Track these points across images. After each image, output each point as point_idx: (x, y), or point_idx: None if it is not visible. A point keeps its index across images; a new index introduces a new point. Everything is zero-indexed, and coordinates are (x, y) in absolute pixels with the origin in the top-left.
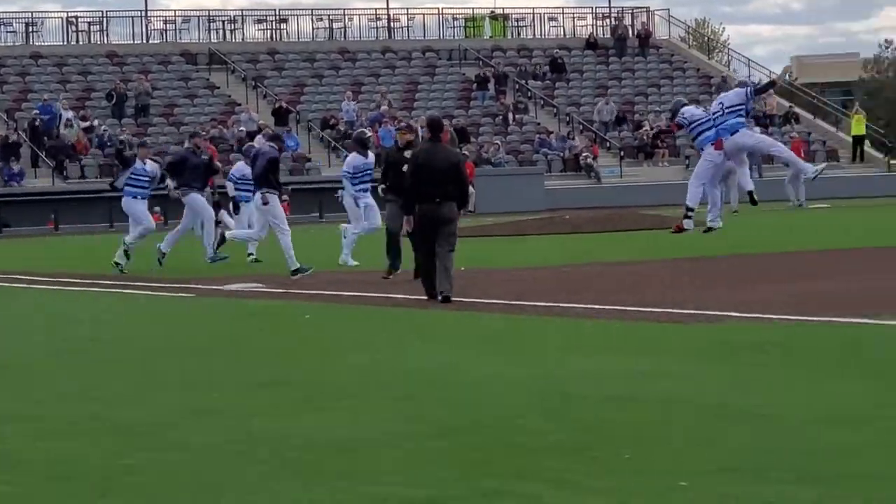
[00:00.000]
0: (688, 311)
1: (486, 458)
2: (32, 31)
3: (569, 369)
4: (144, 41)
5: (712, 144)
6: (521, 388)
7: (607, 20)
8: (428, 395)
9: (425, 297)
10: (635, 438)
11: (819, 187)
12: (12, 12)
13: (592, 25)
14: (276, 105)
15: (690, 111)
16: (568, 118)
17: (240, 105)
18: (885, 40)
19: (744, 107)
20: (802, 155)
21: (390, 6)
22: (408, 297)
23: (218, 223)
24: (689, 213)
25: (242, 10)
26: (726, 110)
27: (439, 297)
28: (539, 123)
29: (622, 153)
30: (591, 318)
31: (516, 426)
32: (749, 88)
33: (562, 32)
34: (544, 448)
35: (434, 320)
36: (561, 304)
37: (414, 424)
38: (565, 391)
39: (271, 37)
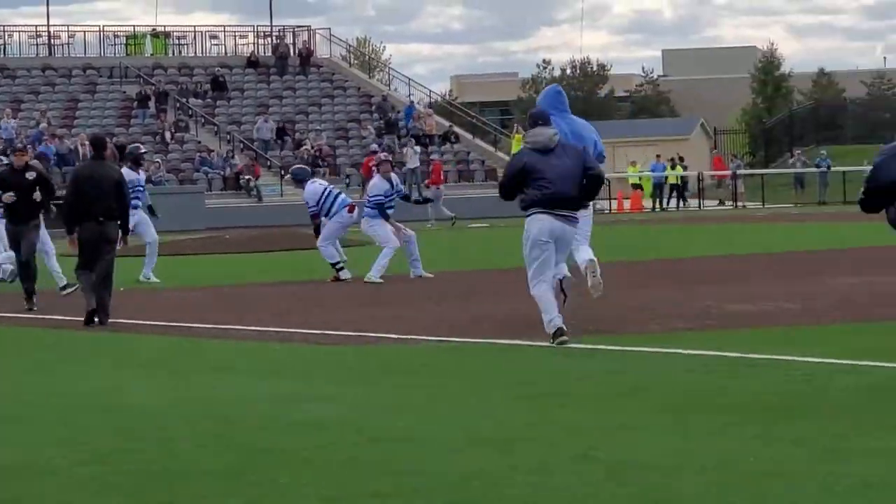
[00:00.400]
0: (345, 333)
1: (140, 484)
2: None
3: (226, 392)
4: None
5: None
6: (177, 412)
7: (269, 38)
8: (82, 419)
9: (82, 319)
10: (291, 463)
11: (478, 207)
12: None
13: (254, 44)
14: None
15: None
16: (229, 136)
17: None
18: (543, 60)
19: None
20: (441, 177)
21: (51, 23)
22: (64, 317)
23: None
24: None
25: None
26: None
27: (96, 321)
28: (200, 142)
29: (283, 172)
30: (249, 340)
31: (172, 451)
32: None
33: (223, 51)
34: (199, 473)
35: (90, 342)
36: (219, 326)
37: (69, 450)
38: (222, 415)
39: None
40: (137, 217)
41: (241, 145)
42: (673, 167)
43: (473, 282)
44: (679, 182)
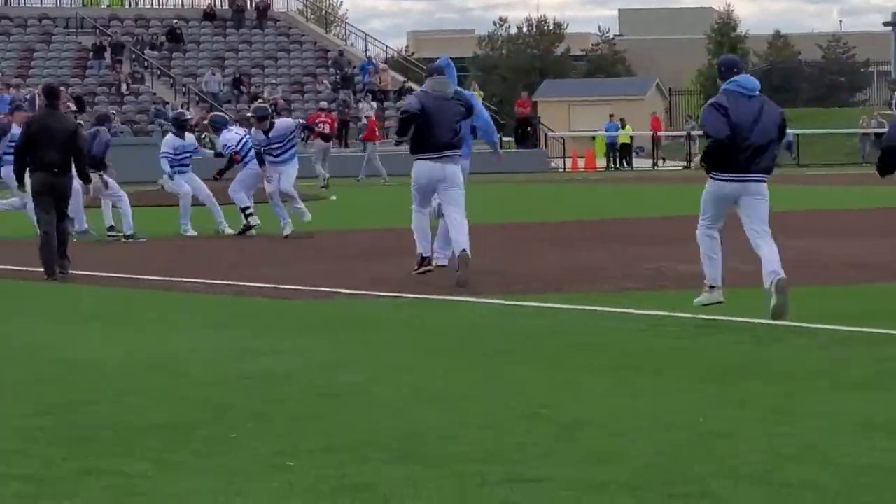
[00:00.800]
0: (297, 287)
1: (90, 436)
2: None
3: (177, 345)
4: None
5: None
6: (128, 364)
7: None
8: (30, 371)
9: (40, 270)
10: (241, 417)
11: None
12: None
13: None
14: None
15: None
16: (185, 89)
17: None
18: (500, 18)
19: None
20: (376, 133)
21: None
22: (17, 268)
23: None
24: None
25: None
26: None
27: (59, 275)
28: (155, 94)
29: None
30: (201, 293)
31: (121, 404)
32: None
33: (180, 3)
34: (150, 427)
35: (39, 294)
36: (171, 278)
37: (19, 401)
38: (173, 368)
39: None
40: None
41: (197, 98)
42: (623, 127)
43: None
44: (629, 142)
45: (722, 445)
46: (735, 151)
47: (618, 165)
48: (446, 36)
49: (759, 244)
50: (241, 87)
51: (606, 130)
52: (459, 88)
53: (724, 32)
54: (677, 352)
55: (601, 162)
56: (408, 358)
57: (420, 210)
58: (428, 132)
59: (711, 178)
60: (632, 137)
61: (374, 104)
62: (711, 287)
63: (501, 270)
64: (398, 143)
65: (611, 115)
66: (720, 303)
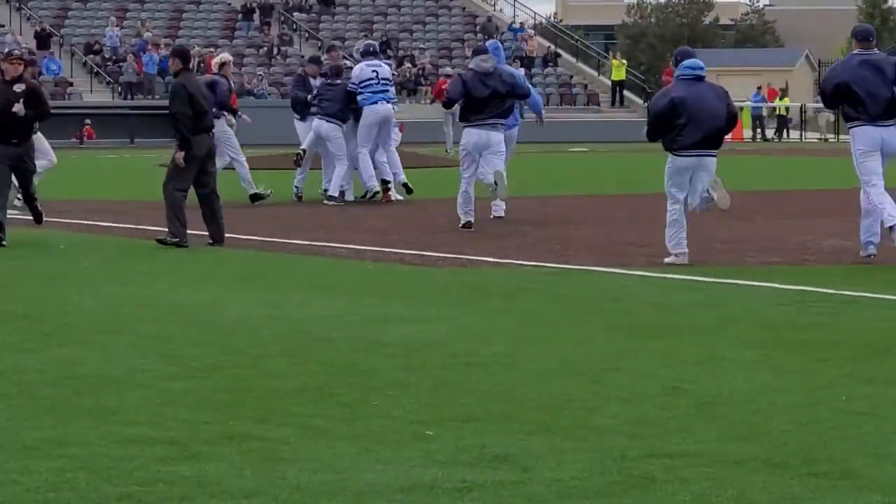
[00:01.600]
0: (442, 255)
1: (233, 400)
2: None
3: (320, 310)
4: None
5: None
6: (271, 328)
7: None
8: (178, 333)
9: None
10: (382, 385)
11: (579, 130)
12: None
13: None
14: (39, 28)
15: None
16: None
17: (2, 27)
18: None
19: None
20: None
21: None
22: (163, 229)
23: None
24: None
25: None
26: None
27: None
28: (303, 56)
29: None
30: (345, 258)
31: (264, 368)
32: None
33: None
34: (292, 392)
35: (189, 256)
36: (315, 243)
37: (162, 364)
38: (316, 333)
39: None
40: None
41: (346, 61)
42: (782, 98)
43: (574, 206)
44: (786, 113)
45: (865, 424)
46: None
47: (765, 136)
48: (595, 3)
49: None
50: (389, 51)
51: (753, 101)
52: (503, 66)
53: (875, 4)
54: (821, 328)
55: (747, 133)
56: (551, 329)
57: (465, 175)
58: (474, 104)
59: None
60: (787, 109)
61: (522, 70)
62: None
63: (649, 241)
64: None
65: (759, 88)
66: None
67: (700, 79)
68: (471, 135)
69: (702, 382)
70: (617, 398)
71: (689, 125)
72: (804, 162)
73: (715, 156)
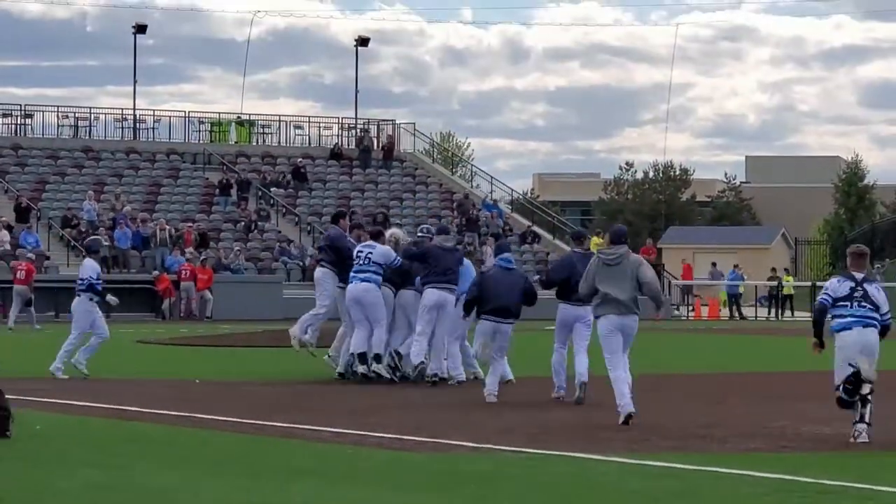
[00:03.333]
0: (420, 438)
1: None
2: None
3: (298, 498)
4: None
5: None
6: None
7: (353, 131)
8: None
9: (160, 411)
10: None
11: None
12: None
13: (338, 136)
14: (18, 201)
15: None
16: (309, 227)
17: None
18: (626, 163)
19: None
20: None
21: (137, 106)
22: (141, 410)
23: None
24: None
25: None
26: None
27: None
28: (280, 231)
29: None
30: (323, 442)
31: None
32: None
33: (307, 141)
34: None
35: (169, 438)
36: (293, 425)
37: None
38: None
39: (15, 132)
40: None
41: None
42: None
43: (544, 388)
44: (791, 292)
45: None
46: None
47: (776, 316)
48: (572, 179)
49: None
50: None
51: (729, 279)
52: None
53: (852, 182)
54: None
55: (724, 312)
56: None
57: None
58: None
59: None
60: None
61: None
62: None
63: (626, 425)
64: None
65: (735, 266)
66: None
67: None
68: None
69: None
70: None
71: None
72: (781, 342)
73: None
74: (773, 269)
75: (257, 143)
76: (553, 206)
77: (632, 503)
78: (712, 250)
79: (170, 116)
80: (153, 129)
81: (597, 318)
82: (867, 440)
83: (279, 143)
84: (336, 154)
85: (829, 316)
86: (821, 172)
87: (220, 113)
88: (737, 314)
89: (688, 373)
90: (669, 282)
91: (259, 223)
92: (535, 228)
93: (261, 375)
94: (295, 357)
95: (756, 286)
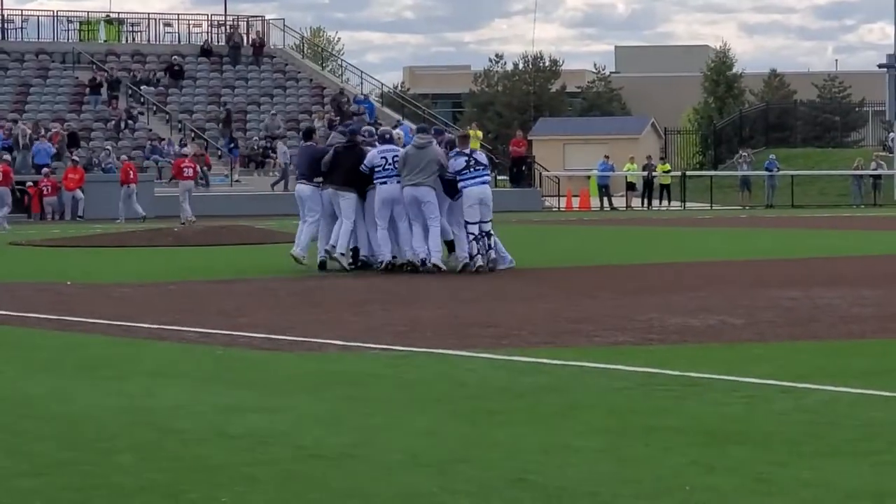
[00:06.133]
0: (290, 338)
1: (81, 499)
2: None
3: (168, 400)
4: None
5: None
6: (118, 420)
7: (222, 28)
8: (23, 426)
9: (27, 314)
10: (230, 480)
11: None
12: None
13: (208, 33)
14: None
15: None
16: (181, 125)
17: None
18: (496, 54)
19: None
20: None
21: (4, 6)
22: (8, 313)
23: None
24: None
25: None
26: None
27: None
28: (151, 130)
29: (232, 162)
30: (192, 342)
31: (113, 464)
32: None
33: (177, 39)
34: (139, 490)
35: (35, 342)
36: (163, 326)
37: (10, 460)
38: (163, 424)
39: None
40: None
41: (193, 134)
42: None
43: (420, 285)
44: (667, 182)
45: None
46: None
47: (650, 205)
48: (442, 72)
49: None
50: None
51: (600, 170)
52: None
53: (720, 71)
54: (665, 413)
55: (595, 201)
56: (396, 417)
57: None
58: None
59: None
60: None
61: None
62: None
63: (494, 320)
64: None
65: (605, 156)
66: None
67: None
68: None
69: (548, 473)
70: (464, 492)
71: None
72: (653, 233)
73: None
74: (649, 158)
75: (127, 41)
76: (423, 100)
77: (497, 399)
78: (582, 141)
79: (38, 16)
80: (21, 28)
81: None
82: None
83: (149, 40)
84: (206, 51)
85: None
86: (690, 62)
87: (89, 12)
88: (607, 205)
89: (557, 266)
90: (540, 173)
91: (130, 122)
92: (406, 122)
93: (133, 277)
94: (165, 256)
95: (626, 176)
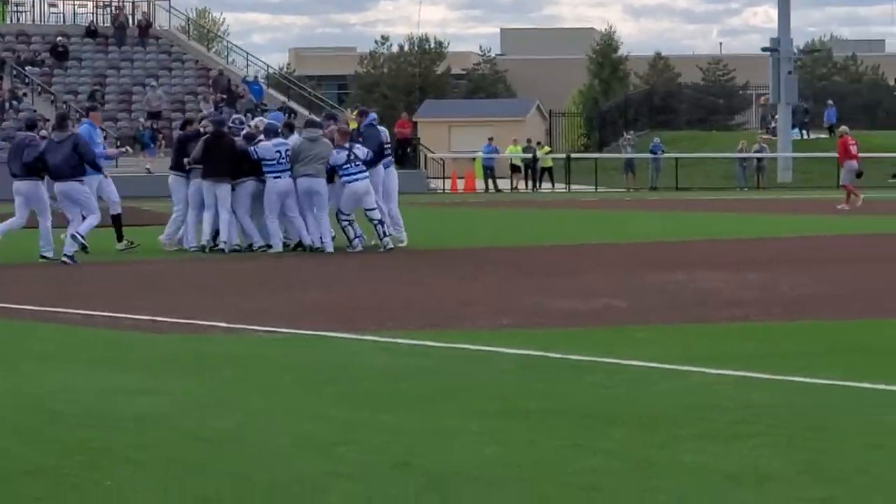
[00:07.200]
0: (175, 320)
1: None
2: None
3: (52, 383)
4: None
5: None
6: (1, 404)
7: (108, 8)
8: None
9: None
10: (114, 463)
11: None
12: None
13: (93, 13)
14: None
15: None
16: (65, 106)
17: None
18: (382, 36)
19: None
20: None
21: None
22: None
23: None
24: None
25: None
26: None
27: None
28: (35, 110)
29: (118, 142)
30: (76, 325)
31: None
32: None
33: (62, 19)
34: (22, 473)
35: None
36: (46, 308)
37: None
38: (47, 408)
39: None
40: None
41: (78, 115)
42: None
43: (303, 267)
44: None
45: (589, 499)
46: None
47: (536, 187)
48: (328, 54)
49: None
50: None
51: (484, 153)
52: None
53: (606, 54)
54: (547, 396)
55: (480, 184)
56: (280, 400)
57: None
58: None
59: None
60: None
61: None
62: None
63: (379, 303)
64: None
65: (490, 139)
66: None
67: None
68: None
69: (431, 457)
70: (348, 476)
71: None
72: (538, 216)
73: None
74: (529, 141)
75: (12, 21)
76: (309, 81)
77: (381, 382)
78: (468, 123)
79: None
80: None
81: None
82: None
83: (34, 21)
84: (92, 32)
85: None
86: (575, 44)
87: None
88: (492, 187)
89: (442, 248)
90: (426, 155)
91: (14, 103)
92: (292, 104)
93: (10, 259)
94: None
95: (511, 159)
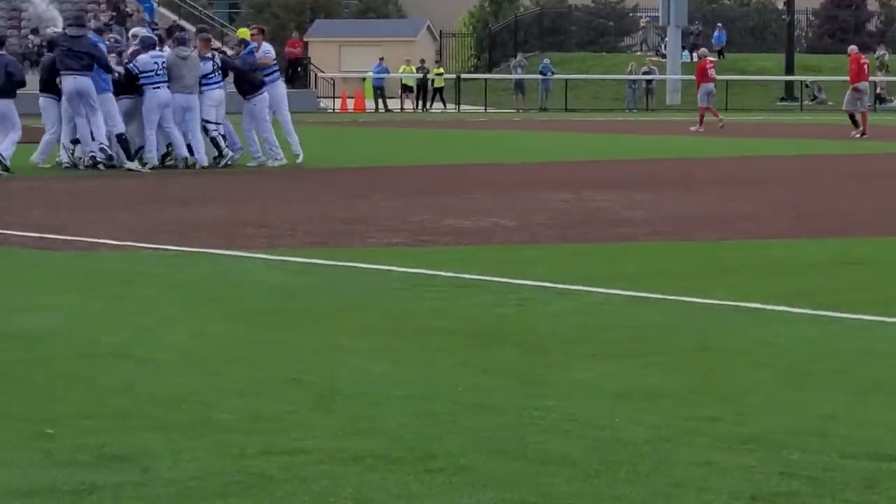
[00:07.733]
0: (61, 237)
1: None
2: None
3: None
4: None
5: None
6: None
7: None
8: None
9: None
10: (2, 378)
11: None
12: None
13: None
14: None
15: None
16: None
17: None
18: None
19: None
20: None
21: None
22: None
23: None
24: None
25: None
26: None
27: None
28: None
29: None
30: None
31: None
32: None
33: None
34: None
35: None
36: None
37: None
38: None
39: None
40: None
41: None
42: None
43: (197, 185)
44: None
45: (480, 417)
46: None
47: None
48: None
49: None
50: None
51: (375, 72)
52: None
53: None
54: (437, 314)
55: (370, 103)
56: (169, 317)
57: None
58: None
59: None
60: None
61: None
62: None
63: (268, 220)
64: None
65: (381, 59)
66: None
67: None
68: None
69: (321, 374)
70: (236, 392)
71: None
72: (427, 136)
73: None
74: (423, 61)
75: None
76: (199, 1)
77: (271, 299)
78: (358, 43)
79: None
80: None
81: None
82: None
83: None
84: None
85: None
86: None
87: None
88: (382, 107)
89: (332, 167)
90: (316, 75)
91: None
92: (182, 22)
93: None
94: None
95: (401, 79)
